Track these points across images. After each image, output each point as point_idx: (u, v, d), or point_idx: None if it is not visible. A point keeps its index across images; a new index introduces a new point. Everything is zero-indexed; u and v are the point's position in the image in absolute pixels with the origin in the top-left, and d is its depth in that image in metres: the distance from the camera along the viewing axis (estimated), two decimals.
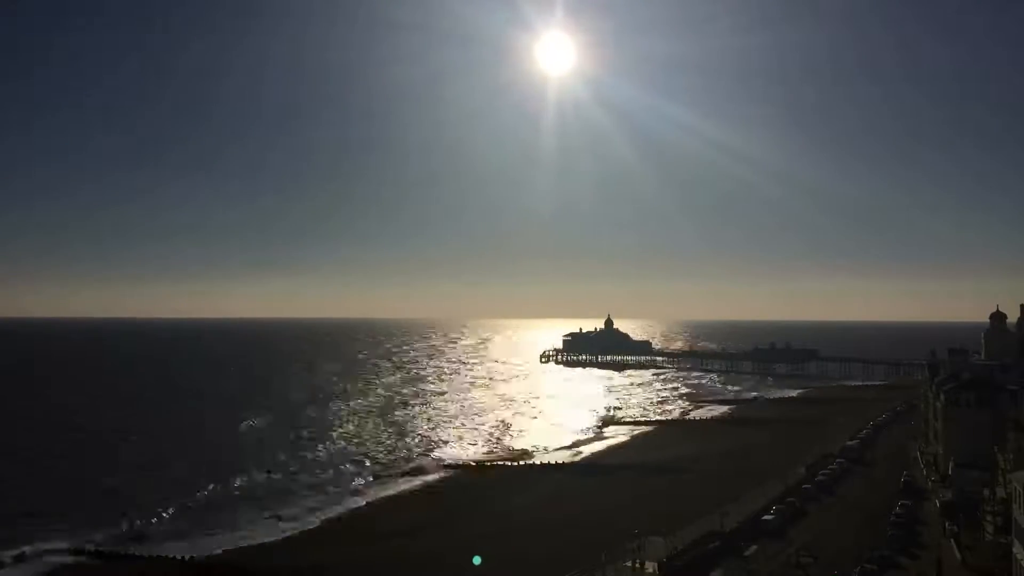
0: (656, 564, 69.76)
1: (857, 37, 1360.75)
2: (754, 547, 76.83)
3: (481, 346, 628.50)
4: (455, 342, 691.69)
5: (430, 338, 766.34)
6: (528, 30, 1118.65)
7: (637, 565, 69.98)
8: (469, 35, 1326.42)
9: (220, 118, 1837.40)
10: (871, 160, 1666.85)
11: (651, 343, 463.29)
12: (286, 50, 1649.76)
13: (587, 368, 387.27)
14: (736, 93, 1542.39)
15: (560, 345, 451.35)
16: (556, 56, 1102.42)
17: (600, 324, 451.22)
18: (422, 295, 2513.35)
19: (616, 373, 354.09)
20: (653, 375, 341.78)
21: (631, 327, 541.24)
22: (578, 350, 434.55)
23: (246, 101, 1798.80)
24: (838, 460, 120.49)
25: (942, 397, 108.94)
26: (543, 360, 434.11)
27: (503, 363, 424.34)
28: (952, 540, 78.69)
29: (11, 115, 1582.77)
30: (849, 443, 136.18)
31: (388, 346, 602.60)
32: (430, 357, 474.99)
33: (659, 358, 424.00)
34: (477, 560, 74.82)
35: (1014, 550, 65.83)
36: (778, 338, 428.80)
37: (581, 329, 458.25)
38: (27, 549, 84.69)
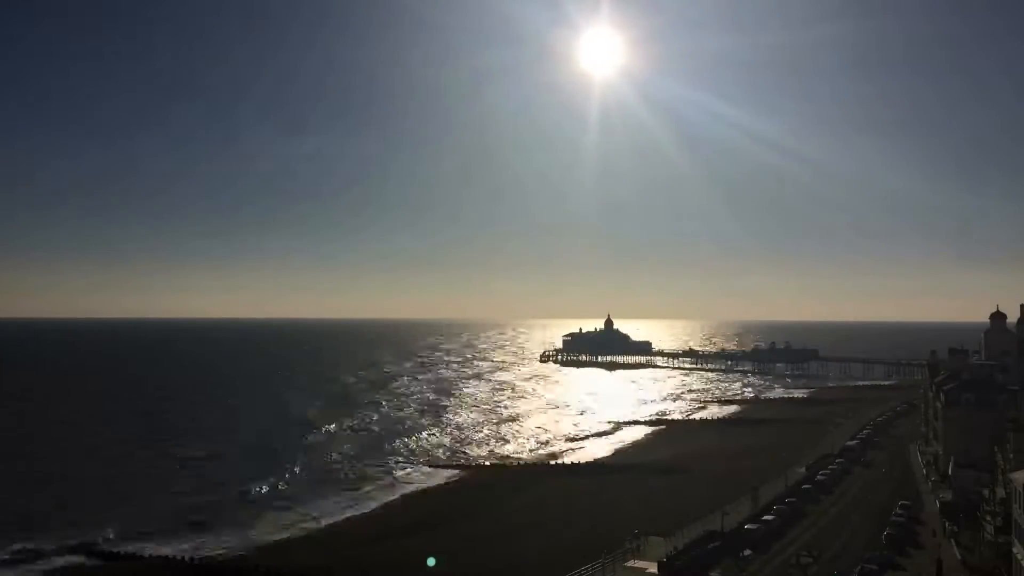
0: (656, 564, 69.74)
1: (904, 32, 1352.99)
2: (748, 551, 76.13)
3: (498, 348, 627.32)
4: (471, 344, 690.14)
5: (442, 340, 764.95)
6: (572, 29, 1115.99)
7: (637, 565, 69.95)
8: (513, 35, 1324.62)
9: (256, 115, 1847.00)
10: (897, 158, 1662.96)
11: (651, 343, 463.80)
12: (329, 50, 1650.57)
13: (587, 368, 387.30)
14: (788, 89, 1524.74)
15: (560, 345, 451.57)
16: (601, 54, 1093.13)
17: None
18: (464, 294, 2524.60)
19: (615, 373, 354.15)
20: (652, 375, 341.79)
21: (655, 327, 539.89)
22: (578, 350, 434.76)
23: (290, 99, 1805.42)
24: (838, 460, 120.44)
25: (942, 397, 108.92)
26: (543, 360, 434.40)
27: (512, 364, 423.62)
28: (952, 540, 78.73)
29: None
30: (849, 443, 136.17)
31: (412, 348, 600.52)
32: (442, 359, 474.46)
33: (659, 358, 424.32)
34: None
35: (1014, 550, 65.82)
36: (778, 338, 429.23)
37: (581, 329, 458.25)
38: (28, 548, 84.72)
